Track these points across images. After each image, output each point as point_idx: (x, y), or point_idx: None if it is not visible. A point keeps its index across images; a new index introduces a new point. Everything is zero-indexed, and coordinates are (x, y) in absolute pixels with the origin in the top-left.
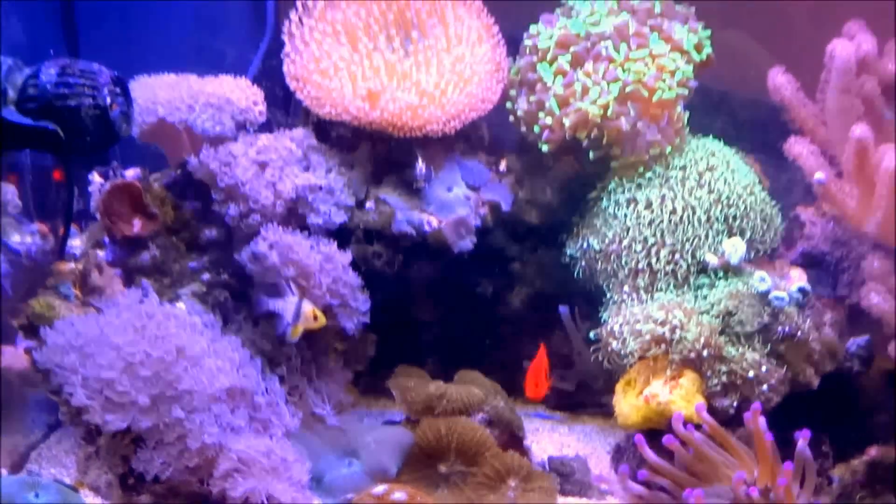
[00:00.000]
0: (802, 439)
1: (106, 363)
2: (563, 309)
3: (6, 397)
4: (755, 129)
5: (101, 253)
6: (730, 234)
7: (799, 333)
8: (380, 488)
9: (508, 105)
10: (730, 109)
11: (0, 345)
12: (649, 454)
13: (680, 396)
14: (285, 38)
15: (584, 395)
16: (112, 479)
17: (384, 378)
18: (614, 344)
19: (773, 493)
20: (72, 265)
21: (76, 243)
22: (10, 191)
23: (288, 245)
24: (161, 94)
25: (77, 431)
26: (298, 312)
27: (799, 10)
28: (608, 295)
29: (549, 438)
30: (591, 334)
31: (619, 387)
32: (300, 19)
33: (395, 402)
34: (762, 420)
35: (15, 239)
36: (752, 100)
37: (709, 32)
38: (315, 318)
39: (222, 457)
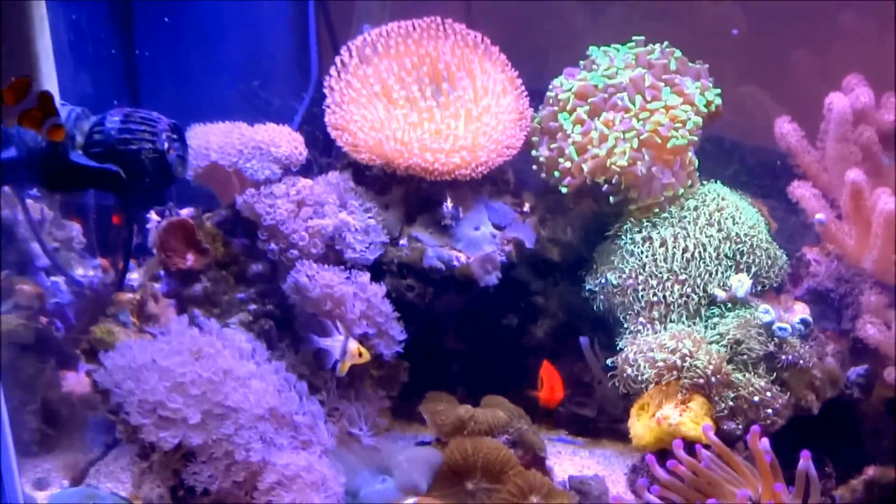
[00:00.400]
0: (804, 459)
1: (157, 384)
2: (584, 340)
3: (68, 418)
4: (764, 175)
5: (156, 285)
6: (737, 270)
7: (801, 362)
8: (410, 501)
9: (532, 153)
10: (741, 157)
11: (64, 370)
12: (659, 472)
13: (689, 419)
14: (326, 90)
15: (604, 421)
16: (164, 492)
17: (415, 404)
18: (630, 371)
19: None
20: (130, 296)
21: (134, 276)
22: (76, 228)
23: (322, 277)
24: (213, 140)
25: (132, 449)
26: (345, 350)
27: (804, 64)
28: (625, 326)
29: (570, 461)
30: (609, 362)
31: (633, 410)
32: (339, 74)
33: (425, 427)
34: (763, 441)
35: (79, 272)
36: (761, 148)
37: (719, 90)
38: (360, 354)
39: (266, 471)
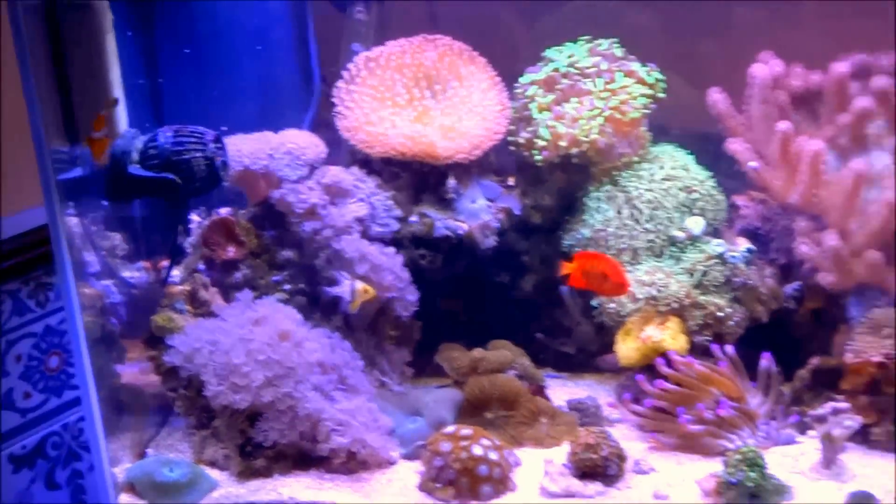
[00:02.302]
0: (766, 359)
1: (233, 351)
2: (564, 288)
3: (127, 403)
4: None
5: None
6: (691, 214)
7: (750, 282)
8: (450, 429)
9: (510, 138)
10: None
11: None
12: (648, 387)
13: (669, 335)
14: (336, 99)
15: (583, 358)
16: (230, 452)
17: (428, 359)
18: (612, 306)
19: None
20: (181, 287)
21: (175, 273)
22: (118, 238)
23: (365, 247)
24: (245, 148)
25: (189, 421)
26: (353, 291)
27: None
28: None
29: (561, 390)
30: (593, 302)
31: (618, 336)
32: (347, 85)
33: (438, 378)
34: (728, 347)
35: (126, 274)
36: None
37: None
38: (366, 291)
39: (325, 419)
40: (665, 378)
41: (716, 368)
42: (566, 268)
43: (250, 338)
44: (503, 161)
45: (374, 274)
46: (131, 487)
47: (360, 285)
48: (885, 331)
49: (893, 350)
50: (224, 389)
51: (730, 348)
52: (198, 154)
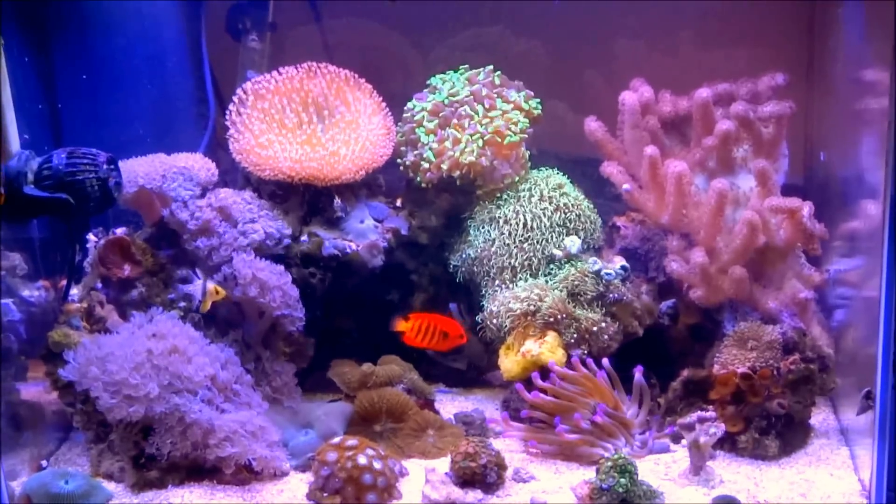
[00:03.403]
0: (638, 372)
1: (122, 366)
2: (453, 305)
3: (26, 419)
4: (574, 172)
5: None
6: (568, 234)
7: (625, 298)
8: (336, 440)
9: (398, 160)
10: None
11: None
12: (527, 395)
13: (547, 349)
14: (228, 122)
15: (473, 373)
16: (125, 464)
17: (321, 376)
18: (494, 321)
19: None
20: (77, 304)
21: (73, 291)
22: (18, 258)
23: (257, 267)
24: (140, 169)
25: (88, 436)
26: (205, 290)
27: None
28: (484, 290)
29: (451, 405)
30: (478, 317)
31: (501, 351)
32: (238, 109)
33: (330, 394)
34: (604, 360)
35: (25, 293)
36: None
37: (538, 99)
38: (217, 292)
39: (214, 430)
40: (542, 390)
41: (592, 378)
42: (400, 325)
43: (143, 351)
44: (392, 183)
45: (263, 292)
46: (28, 499)
47: (211, 285)
48: (750, 343)
49: (757, 362)
50: (118, 402)
51: (605, 361)
52: (91, 175)
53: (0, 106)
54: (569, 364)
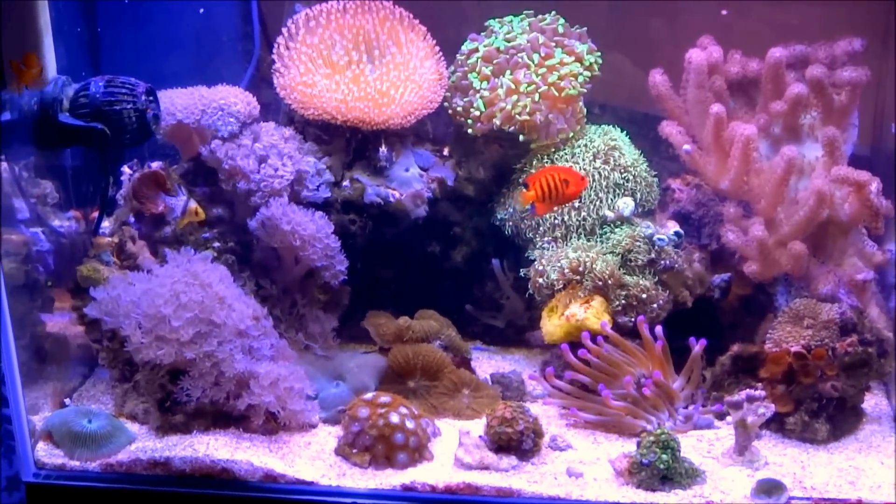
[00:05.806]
0: (699, 346)
1: (164, 306)
2: (496, 262)
3: (51, 352)
4: (632, 127)
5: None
6: (623, 195)
7: (676, 266)
8: (369, 395)
9: (445, 105)
10: (613, 113)
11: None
12: (571, 357)
13: (592, 314)
14: (274, 57)
15: (512, 332)
16: (150, 407)
17: (356, 325)
18: (541, 280)
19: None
20: (109, 238)
21: (104, 224)
22: (49, 186)
23: (295, 216)
24: (178, 102)
25: (113, 374)
26: (185, 209)
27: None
28: (534, 243)
29: (487, 364)
30: (522, 272)
31: (544, 313)
32: (286, 42)
33: (365, 345)
34: (658, 328)
35: (55, 223)
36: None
37: (599, 52)
38: (197, 213)
39: (249, 379)
40: (588, 351)
41: (650, 346)
42: (527, 197)
43: (180, 292)
44: (440, 131)
45: (302, 246)
46: (49, 436)
47: (192, 205)
48: (806, 321)
49: (812, 340)
50: (147, 343)
51: (659, 329)
52: (129, 105)
53: (38, 29)
54: (615, 331)
